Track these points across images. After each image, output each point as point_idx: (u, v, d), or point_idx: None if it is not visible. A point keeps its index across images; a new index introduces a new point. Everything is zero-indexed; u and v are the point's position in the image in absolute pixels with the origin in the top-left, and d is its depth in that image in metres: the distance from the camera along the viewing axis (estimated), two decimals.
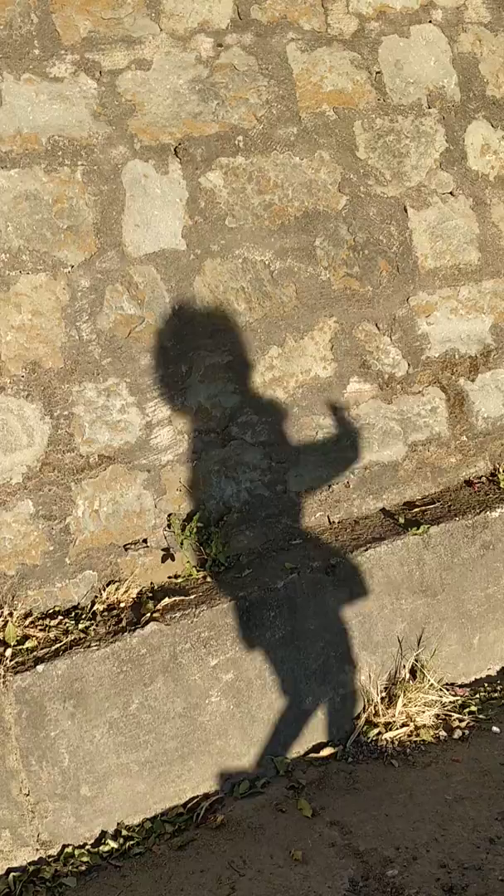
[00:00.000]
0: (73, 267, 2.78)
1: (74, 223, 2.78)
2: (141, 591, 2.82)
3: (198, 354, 2.94)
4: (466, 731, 2.87)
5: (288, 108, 3.09)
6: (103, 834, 2.61)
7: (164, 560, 2.88)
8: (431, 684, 2.98)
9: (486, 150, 3.44)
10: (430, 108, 3.34)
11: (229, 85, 3.00)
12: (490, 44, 3.47)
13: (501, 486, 3.30)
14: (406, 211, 3.27)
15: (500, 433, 3.45)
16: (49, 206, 2.75)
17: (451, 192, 3.35)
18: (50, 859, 2.52)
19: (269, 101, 3.06)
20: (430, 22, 3.36)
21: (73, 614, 2.73)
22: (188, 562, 2.89)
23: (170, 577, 2.89)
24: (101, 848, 2.57)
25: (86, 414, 2.80)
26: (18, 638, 2.60)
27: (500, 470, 3.41)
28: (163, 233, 2.90)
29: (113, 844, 2.58)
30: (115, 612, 2.73)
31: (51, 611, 2.74)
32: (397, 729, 2.88)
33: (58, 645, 2.58)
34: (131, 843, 2.58)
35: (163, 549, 2.89)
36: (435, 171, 3.34)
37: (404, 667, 2.98)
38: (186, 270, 2.93)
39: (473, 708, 2.97)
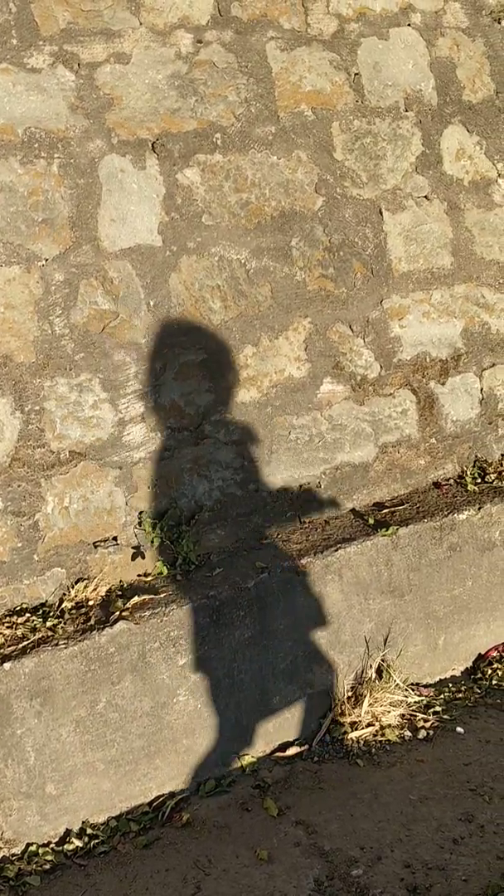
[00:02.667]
0: (47, 260, 2.75)
1: (50, 216, 2.75)
2: (110, 589, 2.80)
3: (172, 352, 2.93)
4: (431, 732, 2.91)
5: (266, 106, 3.09)
6: (68, 832, 2.60)
7: (134, 558, 2.87)
8: (397, 684, 3.00)
9: (462, 155, 3.47)
10: (407, 111, 3.36)
11: (208, 82, 2.98)
12: (468, 49, 3.50)
13: (469, 488, 3.34)
14: (381, 214, 3.28)
15: (468, 436, 3.48)
16: (24, 198, 2.71)
17: (426, 196, 3.38)
18: (14, 858, 2.50)
19: (248, 100, 3.05)
20: (409, 25, 3.37)
21: (40, 612, 2.70)
22: (159, 560, 2.88)
23: (140, 576, 2.87)
24: (65, 846, 2.56)
25: (57, 409, 2.77)
26: None
27: (468, 472, 3.44)
28: (139, 228, 2.88)
29: (78, 843, 2.57)
30: (83, 610, 2.71)
31: (18, 608, 2.71)
32: (363, 728, 2.90)
33: (25, 643, 2.56)
34: (96, 841, 2.58)
35: (133, 548, 2.87)
36: (411, 174, 3.35)
37: (371, 666, 3.01)
38: (162, 267, 2.91)
39: (438, 708, 3.01)
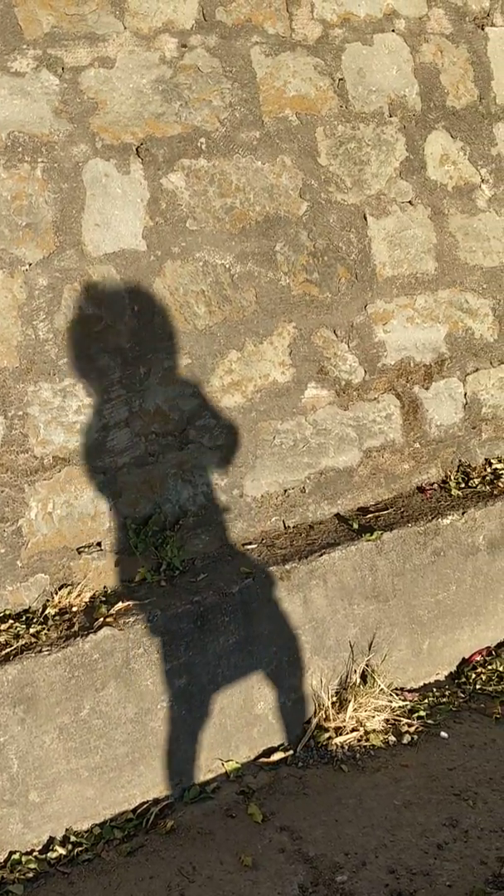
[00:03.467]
0: (30, 265, 2.73)
1: (33, 221, 2.74)
2: (94, 595, 2.79)
3: (156, 356, 2.92)
4: (415, 737, 2.91)
5: (251, 111, 3.09)
6: (51, 840, 2.58)
7: (118, 564, 2.86)
8: (382, 689, 3.01)
9: (445, 161, 3.48)
10: (391, 116, 3.36)
11: (193, 86, 2.98)
12: (451, 55, 3.51)
13: (452, 493, 3.35)
14: (366, 219, 3.29)
15: (451, 441, 3.50)
16: (7, 202, 2.70)
17: (409, 202, 3.39)
18: None
19: (233, 104, 3.05)
20: (392, 31, 3.38)
21: (24, 618, 2.69)
22: (143, 566, 2.87)
23: (124, 582, 2.86)
24: (49, 854, 2.54)
25: (41, 414, 2.76)
26: None
27: (452, 477, 3.46)
28: (123, 233, 2.87)
29: (61, 851, 2.55)
30: (67, 616, 2.70)
31: (1, 614, 2.70)
32: (347, 734, 2.90)
33: (8, 649, 2.54)
34: (80, 849, 2.56)
35: (117, 553, 2.86)
36: (395, 179, 3.36)
37: (355, 671, 3.01)
38: (146, 271, 2.90)
39: (422, 713, 3.01)
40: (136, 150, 2.89)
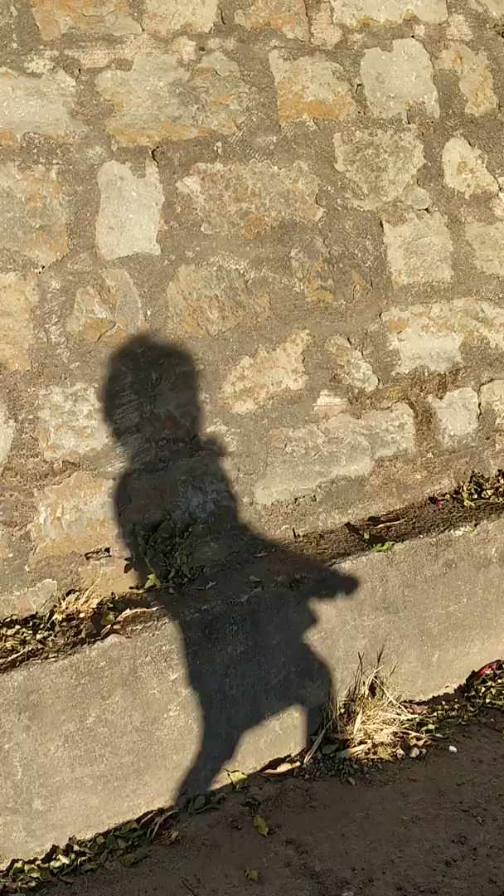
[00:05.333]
0: (44, 268, 2.71)
1: (47, 223, 2.71)
2: (102, 601, 2.76)
3: (168, 362, 2.90)
4: (424, 751, 2.87)
5: (268, 116, 3.06)
6: (54, 849, 2.56)
7: (126, 570, 2.83)
8: (390, 701, 2.97)
9: (463, 168, 3.45)
10: (409, 123, 3.34)
11: (210, 90, 2.96)
12: (471, 62, 3.48)
13: (465, 504, 3.32)
14: (382, 226, 3.26)
15: (465, 451, 3.46)
16: (22, 204, 2.68)
17: (426, 209, 3.35)
18: None
19: (250, 108, 3.03)
20: (412, 37, 3.35)
21: (30, 624, 2.67)
22: (151, 573, 2.84)
23: (132, 588, 2.84)
24: (51, 863, 2.52)
25: (51, 418, 2.74)
26: None
27: (464, 488, 3.42)
28: (137, 237, 2.85)
29: (64, 860, 2.53)
30: (74, 622, 2.67)
31: (8, 620, 2.67)
32: (355, 746, 2.87)
33: (14, 655, 2.52)
34: (83, 858, 2.54)
35: (125, 559, 2.84)
36: (412, 186, 3.33)
37: (364, 683, 2.98)
38: (160, 276, 2.88)
39: (431, 726, 2.98)
40: (152, 153, 2.86)
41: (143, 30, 2.86)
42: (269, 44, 3.06)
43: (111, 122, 2.81)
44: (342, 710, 2.94)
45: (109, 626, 2.62)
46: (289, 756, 2.87)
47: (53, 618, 2.68)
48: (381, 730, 2.91)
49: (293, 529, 3.13)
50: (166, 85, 2.89)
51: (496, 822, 2.53)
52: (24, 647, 2.55)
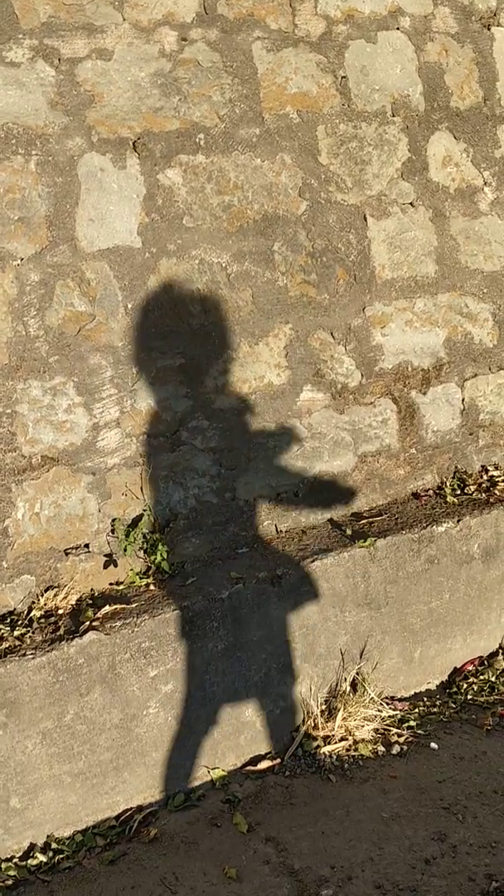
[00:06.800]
0: (22, 260, 2.68)
1: (26, 215, 2.68)
2: (81, 597, 2.74)
3: (150, 356, 2.87)
4: (405, 747, 2.86)
5: (251, 108, 3.03)
6: (32, 847, 2.54)
7: (106, 566, 2.81)
8: (372, 698, 2.96)
9: (448, 162, 3.42)
10: (394, 116, 3.31)
11: (192, 81, 2.92)
12: (456, 54, 3.46)
13: (448, 500, 3.30)
14: (366, 220, 3.23)
15: (448, 447, 3.45)
16: (0, 195, 2.64)
17: (411, 203, 3.33)
18: None
19: (233, 100, 2.99)
20: (397, 29, 3.32)
21: (8, 620, 2.64)
22: (131, 569, 2.82)
23: (111, 584, 2.81)
24: (29, 861, 2.50)
25: (30, 413, 2.71)
26: None
27: (447, 484, 3.41)
28: (118, 229, 2.81)
29: (42, 858, 2.50)
30: (52, 618, 2.65)
31: None
32: (336, 743, 2.86)
33: None
34: (61, 856, 2.52)
35: (105, 555, 2.81)
36: (396, 180, 3.31)
37: (345, 680, 2.96)
38: (141, 269, 2.85)
39: (412, 723, 2.97)
40: (133, 144, 2.83)
41: (124, 19, 2.82)
42: (253, 35, 3.03)
43: (91, 112, 2.77)
44: (323, 707, 2.92)
45: (88, 622, 2.60)
46: (269, 753, 2.86)
47: (32, 614, 2.66)
48: (363, 726, 2.90)
49: (275, 525, 3.11)
50: (148, 75, 2.85)
51: (476, 820, 2.53)
52: (1, 644, 2.52)
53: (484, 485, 3.41)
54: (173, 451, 2.92)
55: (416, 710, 3.04)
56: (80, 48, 2.75)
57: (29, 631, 2.59)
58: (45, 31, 2.70)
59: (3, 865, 2.47)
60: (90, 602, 2.72)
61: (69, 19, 2.73)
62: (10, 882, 2.43)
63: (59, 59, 2.72)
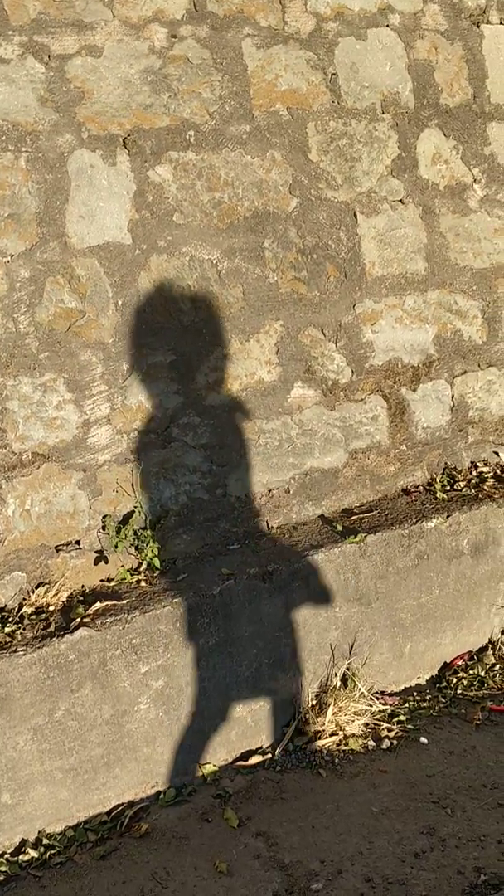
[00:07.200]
0: (12, 256, 2.68)
1: (16, 211, 2.68)
2: (72, 594, 2.75)
3: (140, 352, 2.87)
4: (395, 742, 2.88)
5: (241, 104, 3.03)
6: (23, 842, 2.54)
7: (97, 563, 2.81)
8: (362, 693, 2.98)
9: (438, 159, 3.43)
10: (383, 113, 3.32)
11: (182, 77, 2.92)
12: (446, 52, 3.46)
13: (438, 496, 3.32)
14: (356, 217, 3.24)
15: (438, 443, 3.46)
16: None
17: (401, 200, 3.34)
18: None
19: (223, 97, 2.99)
20: (387, 26, 3.33)
21: None
22: (122, 565, 2.83)
23: (102, 581, 2.82)
24: (20, 857, 2.50)
25: (20, 409, 2.71)
26: None
27: (437, 480, 3.42)
28: (108, 225, 2.81)
29: (33, 853, 2.51)
30: (43, 615, 2.65)
31: None
32: (326, 738, 2.87)
33: None
34: (52, 852, 2.52)
35: (96, 552, 2.82)
36: (386, 177, 3.32)
37: (336, 675, 2.98)
38: (131, 265, 2.85)
39: (402, 717, 2.98)
40: (123, 141, 2.83)
41: (113, 16, 2.82)
42: (243, 31, 3.03)
43: (81, 109, 2.77)
44: (314, 702, 2.94)
45: (79, 619, 2.60)
46: (260, 748, 2.87)
47: (22, 611, 2.66)
48: (353, 721, 2.92)
49: (266, 521, 3.12)
50: (138, 72, 2.85)
51: (465, 814, 2.55)
52: None
53: (473, 481, 3.42)
54: (164, 448, 2.92)
55: (407, 705, 3.06)
56: (70, 45, 2.74)
57: (20, 627, 2.59)
58: (34, 27, 2.69)
59: None
60: (81, 599, 2.72)
61: (59, 15, 2.73)
62: (1, 878, 2.44)
63: (49, 56, 2.71)
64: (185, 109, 2.93)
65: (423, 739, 2.89)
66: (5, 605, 2.69)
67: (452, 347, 3.47)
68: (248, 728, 2.85)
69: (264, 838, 2.52)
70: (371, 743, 2.89)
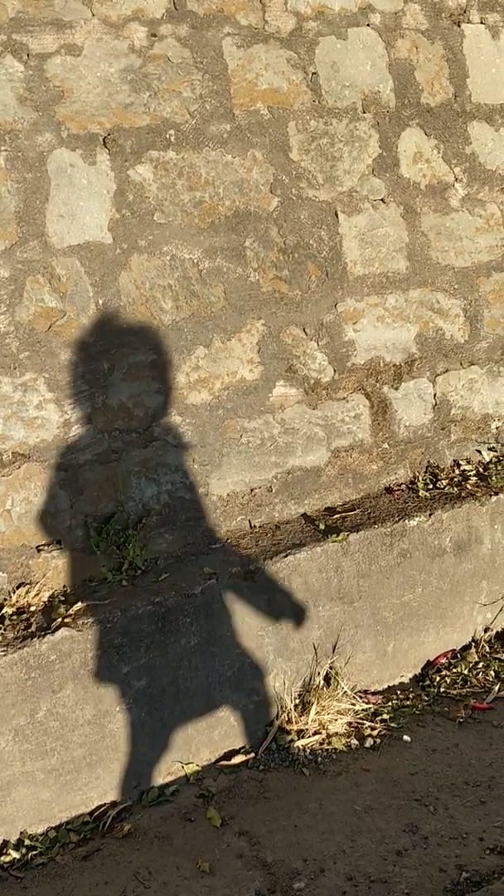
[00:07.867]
0: None
1: None
2: (53, 594, 2.74)
3: (121, 352, 2.87)
4: (377, 740, 2.88)
5: (222, 104, 3.03)
6: (5, 844, 2.53)
7: (78, 563, 2.80)
8: (345, 692, 2.98)
9: (419, 158, 3.44)
10: (364, 112, 3.32)
11: (162, 77, 2.92)
12: (427, 51, 3.47)
13: (420, 494, 3.32)
14: (337, 216, 3.25)
15: (420, 442, 3.47)
16: None
17: (382, 199, 3.35)
18: None
19: (203, 96, 2.99)
20: (368, 25, 3.33)
21: None
22: (104, 565, 2.82)
23: (84, 581, 2.81)
24: (2, 858, 2.49)
25: (0, 409, 2.69)
26: None
27: (420, 478, 3.43)
28: (88, 225, 2.81)
29: (15, 854, 2.50)
30: (25, 615, 2.64)
31: None
32: (310, 737, 2.87)
33: None
34: (34, 853, 2.51)
35: (78, 552, 2.80)
36: (367, 176, 3.32)
37: (319, 674, 2.98)
38: (112, 265, 2.85)
39: (385, 716, 2.99)
40: (103, 140, 2.82)
41: (93, 14, 2.81)
42: (223, 31, 3.03)
43: (61, 108, 2.76)
44: (297, 701, 2.93)
45: (60, 619, 2.59)
46: (243, 747, 2.87)
47: (3, 611, 2.65)
48: (336, 720, 2.92)
49: (249, 520, 3.12)
50: (117, 71, 2.85)
51: (447, 811, 2.55)
52: None
53: (456, 479, 3.43)
54: (146, 447, 2.92)
55: (390, 704, 3.06)
56: (49, 43, 2.74)
57: (0, 628, 2.58)
58: (13, 26, 2.68)
59: None
60: (62, 599, 2.71)
61: (38, 14, 2.72)
62: None
63: (28, 55, 2.71)
64: (165, 108, 2.93)
65: (406, 738, 2.90)
66: None
67: (434, 346, 3.48)
68: (230, 727, 2.85)
69: (247, 837, 2.52)
70: (354, 742, 2.89)
